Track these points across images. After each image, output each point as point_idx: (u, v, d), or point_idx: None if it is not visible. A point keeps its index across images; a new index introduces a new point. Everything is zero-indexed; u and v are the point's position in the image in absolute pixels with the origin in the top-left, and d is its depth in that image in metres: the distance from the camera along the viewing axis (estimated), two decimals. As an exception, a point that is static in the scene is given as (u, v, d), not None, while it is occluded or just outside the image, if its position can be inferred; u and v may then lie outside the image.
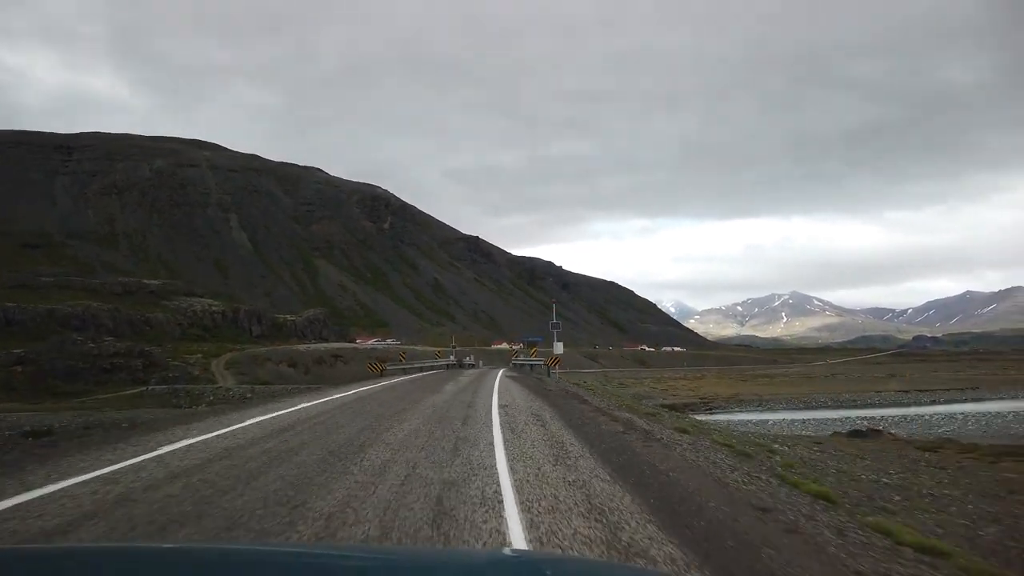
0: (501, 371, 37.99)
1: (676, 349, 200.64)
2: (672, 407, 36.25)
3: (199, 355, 66.08)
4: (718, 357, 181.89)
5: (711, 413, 40.09)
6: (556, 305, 46.49)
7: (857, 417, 37.00)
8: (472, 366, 58.43)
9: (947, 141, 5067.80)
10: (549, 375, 34.87)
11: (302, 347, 79.52)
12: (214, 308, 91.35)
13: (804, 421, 35.51)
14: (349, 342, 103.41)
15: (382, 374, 34.96)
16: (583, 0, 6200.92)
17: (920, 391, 49.42)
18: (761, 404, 42.73)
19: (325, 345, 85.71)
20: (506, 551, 3.65)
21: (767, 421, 35.76)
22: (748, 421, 35.38)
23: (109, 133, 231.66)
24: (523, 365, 44.44)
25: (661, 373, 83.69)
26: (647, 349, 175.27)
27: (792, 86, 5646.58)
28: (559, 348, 36.73)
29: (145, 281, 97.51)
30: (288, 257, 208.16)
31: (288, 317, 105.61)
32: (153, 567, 1.97)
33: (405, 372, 38.22)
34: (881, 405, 43.20)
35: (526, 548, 4.65)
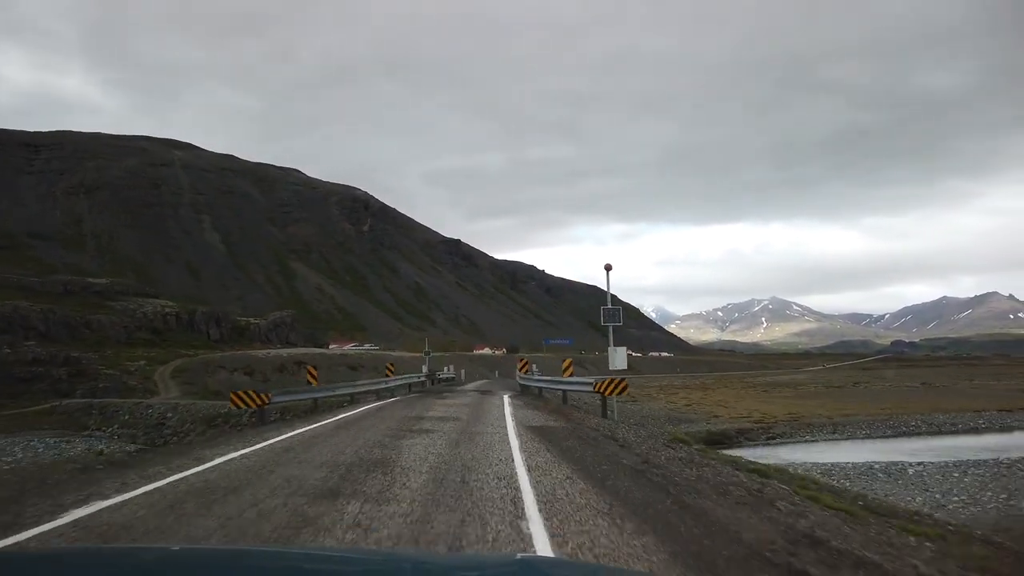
0: (506, 401, 22.27)
1: (663, 354, 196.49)
2: (727, 438, 26.08)
3: (143, 362, 59.07)
4: (710, 362, 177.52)
5: (774, 443, 27.24)
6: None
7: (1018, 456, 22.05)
8: (451, 380, 47.14)
9: (924, 146, 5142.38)
10: (606, 414, 18.21)
11: (261, 353, 72.52)
12: (167, 310, 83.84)
13: (965, 468, 20.26)
14: (319, 347, 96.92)
15: (261, 419, 16.93)
16: (568, 2, 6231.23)
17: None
18: (836, 429, 32.13)
19: (289, 350, 78.62)
20: (524, 556, 3.49)
21: (904, 469, 20.34)
22: (871, 467, 20.67)
23: (78, 132, 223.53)
24: (539, 389, 26.21)
25: (659, 381, 77.99)
26: (633, 354, 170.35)
27: (774, 91, 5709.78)
28: (621, 359, 19.56)
29: (90, 280, 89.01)
30: (263, 260, 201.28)
31: (251, 320, 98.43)
32: (163, 568, 1.91)
33: (317, 406, 20.42)
34: (991, 430, 33.28)
35: (545, 553, 4.43)
